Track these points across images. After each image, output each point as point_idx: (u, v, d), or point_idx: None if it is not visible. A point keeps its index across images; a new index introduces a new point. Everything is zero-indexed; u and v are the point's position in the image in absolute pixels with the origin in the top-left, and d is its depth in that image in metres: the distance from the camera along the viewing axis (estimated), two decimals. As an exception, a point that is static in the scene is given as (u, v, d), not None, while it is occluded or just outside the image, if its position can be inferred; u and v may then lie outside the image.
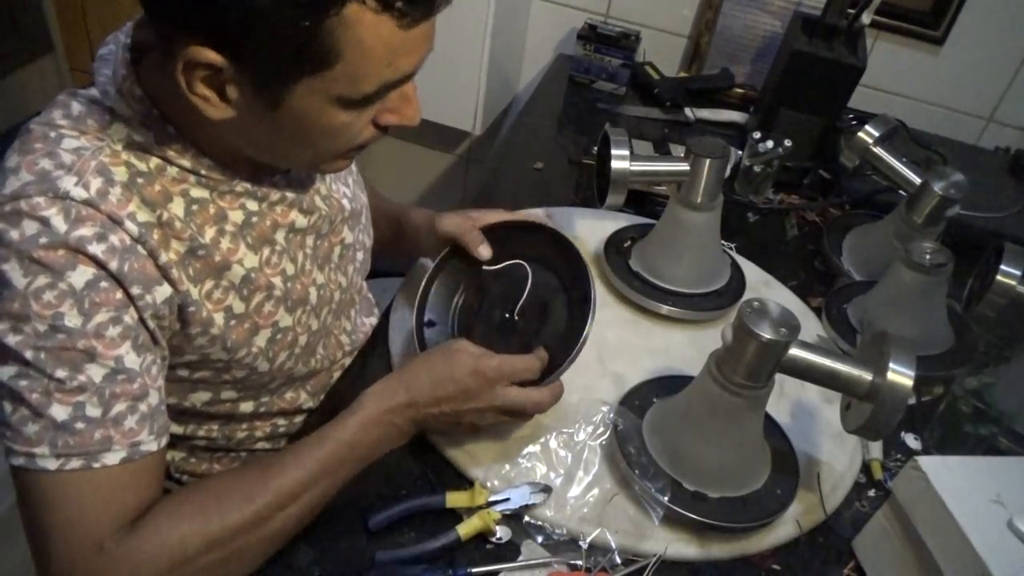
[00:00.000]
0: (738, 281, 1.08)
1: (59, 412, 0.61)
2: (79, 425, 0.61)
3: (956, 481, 0.70)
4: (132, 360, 0.64)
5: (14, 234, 0.60)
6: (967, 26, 1.50)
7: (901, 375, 0.70)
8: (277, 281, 0.76)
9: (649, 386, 0.90)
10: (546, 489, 0.78)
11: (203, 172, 0.69)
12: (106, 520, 0.62)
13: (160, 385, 0.68)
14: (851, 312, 1.07)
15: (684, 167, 0.98)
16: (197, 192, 0.69)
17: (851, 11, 1.32)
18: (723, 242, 1.11)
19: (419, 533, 0.75)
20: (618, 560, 0.74)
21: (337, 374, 0.93)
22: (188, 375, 0.75)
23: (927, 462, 0.71)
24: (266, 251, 0.75)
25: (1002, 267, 0.94)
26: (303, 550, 0.72)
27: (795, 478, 0.82)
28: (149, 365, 0.66)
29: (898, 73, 1.58)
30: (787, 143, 1.27)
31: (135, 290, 0.64)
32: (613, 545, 0.75)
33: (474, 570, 0.71)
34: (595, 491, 0.80)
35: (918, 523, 0.71)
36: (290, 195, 0.76)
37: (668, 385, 0.89)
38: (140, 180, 0.65)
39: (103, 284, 0.62)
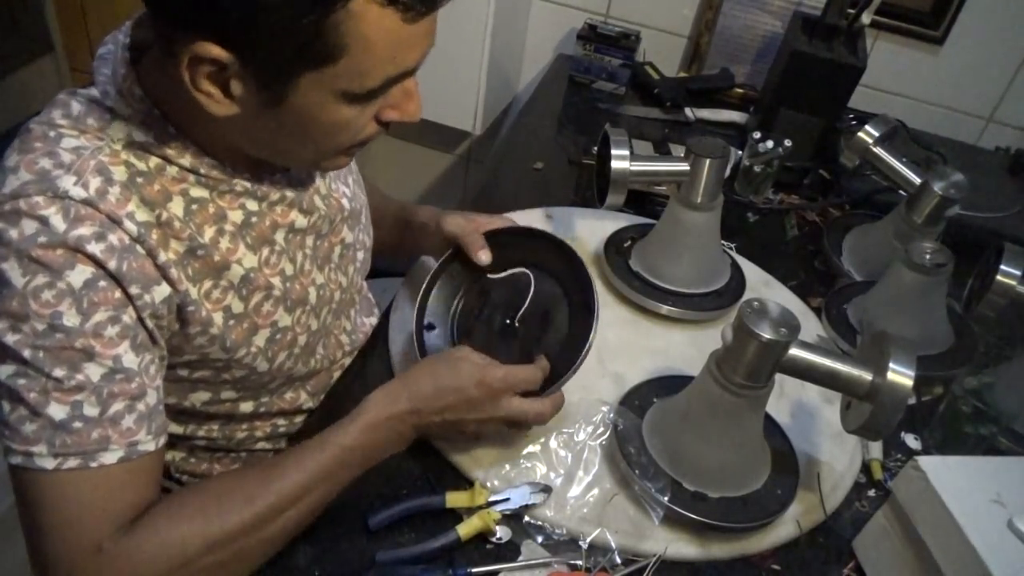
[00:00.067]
0: (738, 281, 1.08)
1: (57, 411, 0.60)
2: (77, 424, 0.61)
3: (956, 481, 0.70)
4: (130, 359, 0.64)
5: (13, 233, 0.60)
6: (967, 26, 1.50)
7: (901, 375, 0.70)
8: (276, 281, 0.76)
9: (649, 386, 0.90)
10: (546, 489, 0.78)
11: (203, 171, 0.69)
12: (104, 520, 0.62)
13: (158, 385, 0.68)
14: (851, 312, 1.07)
15: (684, 167, 0.98)
16: (197, 192, 0.69)
17: (851, 11, 1.32)
18: (723, 242, 1.11)
19: (419, 533, 0.75)
20: (618, 560, 0.74)
21: (337, 374, 0.93)
22: (187, 375, 0.75)
23: (927, 462, 0.71)
24: (265, 251, 0.75)
25: (1002, 267, 0.94)
26: (303, 550, 0.72)
27: (795, 478, 0.82)
28: (147, 365, 0.66)
29: (898, 73, 1.58)
30: (787, 143, 1.27)
31: (134, 289, 0.63)
32: (613, 545, 0.75)
33: (474, 570, 0.71)
34: (595, 491, 0.80)
35: (918, 523, 0.71)
36: (290, 195, 0.76)
37: (668, 385, 0.89)
38: (139, 180, 0.65)
39: (102, 283, 0.62)
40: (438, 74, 1.56)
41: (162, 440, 0.67)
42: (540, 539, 0.75)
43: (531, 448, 0.83)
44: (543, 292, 0.88)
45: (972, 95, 1.58)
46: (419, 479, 0.80)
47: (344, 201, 0.85)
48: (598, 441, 0.84)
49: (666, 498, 0.77)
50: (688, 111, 1.53)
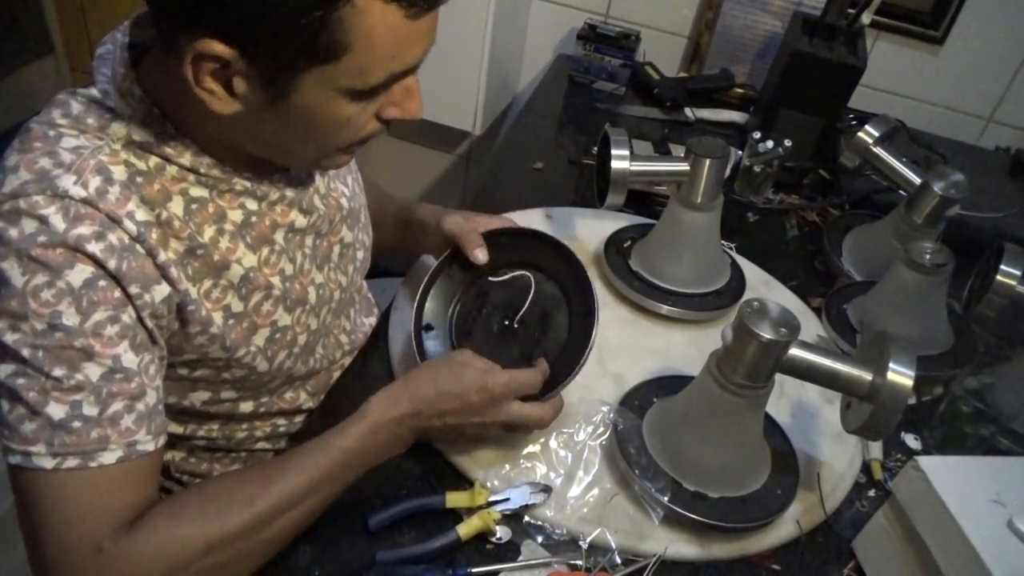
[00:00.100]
0: (738, 281, 1.08)
1: (56, 411, 0.60)
2: (76, 424, 0.61)
3: (956, 481, 0.69)
4: (130, 359, 0.64)
5: (13, 232, 0.60)
6: (967, 26, 1.50)
7: (901, 375, 0.70)
8: (276, 281, 0.76)
9: (649, 386, 0.90)
10: (546, 489, 0.78)
11: (203, 171, 0.69)
12: (104, 520, 0.62)
13: (158, 385, 0.68)
14: (851, 312, 1.07)
15: (684, 167, 0.98)
16: (196, 191, 0.69)
17: (851, 11, 1.32)
18: (723, 242, 1.11)
19: (419, 533, 0.75)
20: (618, 560, 0.74)
21: (337, 374, 0.93)
22: (187, 374, 0.75)
23: (927, 462, 0.71)
24: (265, 251, 0.75)
25: (1002, 267, 0.94)
26: (303, 550, 0.72)
27: (795, 478, 0.82)
28: (147, 364, 0.66)
29: (898, 73, 1.58)
30: (787, 143, 1.27)
31: (133, 289, 0.63)
32: (613, 545, 0.75)
33: (474, 570, 0.71)
34: (595, 491, 0.80)
35: (918, 523, 0.71)
36: (290, 194, 0.76)
37: (668, 385, 0.89)
38: (139, 179, 0.65)
39: (101, 283, 0.62)
40: (438, 74, 1.56)
41: (161, 440, 0.67)
42: (540, 539, 0.75)
43: (531, 448, 0.83)
44: (543, 294, 0.88)
45: (972, 95, 1.58)
46: (419, 479, 0.80)
47: (343, 200, 0.85)
48: (598, 441, 0.84)
49: (666, 498, 0.77)
50: (688, 111, 1.53)
